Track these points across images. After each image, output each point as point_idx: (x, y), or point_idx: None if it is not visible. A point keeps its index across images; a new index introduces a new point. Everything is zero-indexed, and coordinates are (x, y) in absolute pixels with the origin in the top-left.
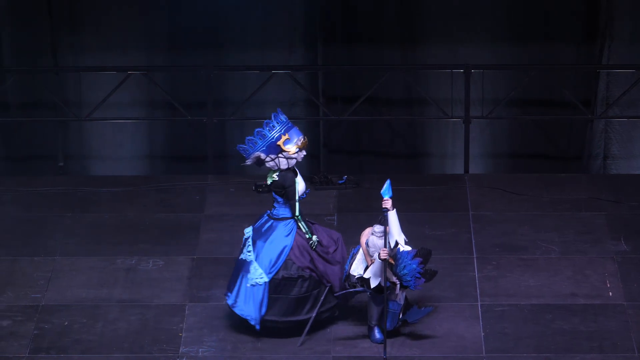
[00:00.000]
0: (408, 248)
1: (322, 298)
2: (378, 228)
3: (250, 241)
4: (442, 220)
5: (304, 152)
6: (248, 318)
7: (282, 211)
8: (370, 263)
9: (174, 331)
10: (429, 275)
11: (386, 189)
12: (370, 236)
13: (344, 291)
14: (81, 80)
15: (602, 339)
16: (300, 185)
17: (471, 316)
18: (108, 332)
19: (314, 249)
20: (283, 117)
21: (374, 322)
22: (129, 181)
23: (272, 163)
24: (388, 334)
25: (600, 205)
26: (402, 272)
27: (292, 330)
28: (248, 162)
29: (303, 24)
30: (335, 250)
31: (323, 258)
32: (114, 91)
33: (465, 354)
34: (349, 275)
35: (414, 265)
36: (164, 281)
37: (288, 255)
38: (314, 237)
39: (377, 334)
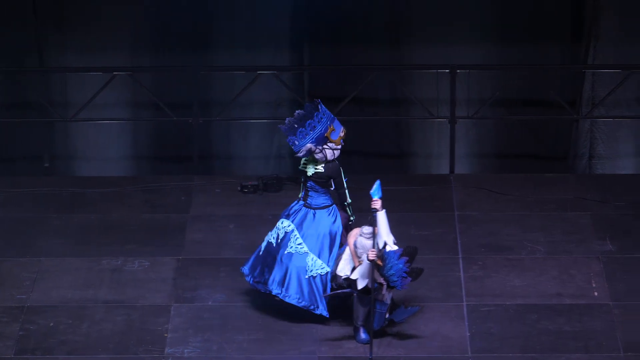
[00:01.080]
0: (395, 247)
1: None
2: (367, 229)
3: (296, 234)
4: (428, 220)
5: (342, 143)
6: (312, 308)
7: (321, 200)
8: (357, 264)
9: (160, 332)
10: (415, 274)
11: (376, 190)
12: (359, 237)
13: (331, 293)
14: (67, 80)
15: (587, 339)
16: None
17: (457, 316)
18: (94, 333)
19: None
20: (325, 109)
21: (360, 323)
22: (115, 182)
23: (320, 155)
24: (374, 334)
25: (586, 205)
26: (389, 272)
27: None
28: (300, 154)
29: (289, 25)
30: None
31: None
32: (100, 92)
33: (451, 354)
34: (335, 276)
35: (401, 265)
36: (149, 282)
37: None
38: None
39: (362, 335)
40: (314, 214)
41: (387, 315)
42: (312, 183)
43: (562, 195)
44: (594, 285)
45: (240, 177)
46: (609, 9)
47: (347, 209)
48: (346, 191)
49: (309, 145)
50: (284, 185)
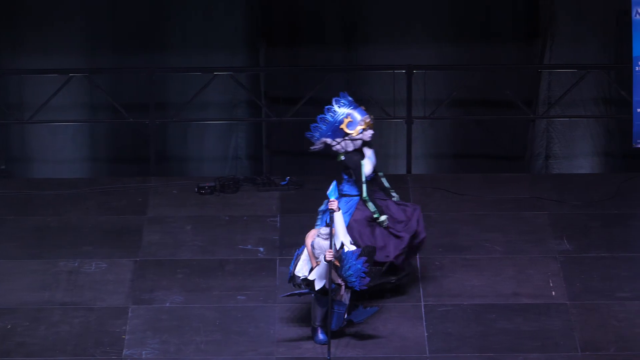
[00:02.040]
0: (353, 248)
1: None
2: (324, 230)
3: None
4: None
5: (371, 131)
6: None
7: (347, 188)
8: (315, 265)
9: (117, 334)
10: (373, 274)
11: (332, 190)
12: (316, 238)
13: (289, 293)
14: (23, 82)
15: (544, 338)
16: (366, 166)
17: (415, 316)
18: (51, 335)
19: (385, 227)
20: (345, 100)
21: (317, 323)
22: (71, 184)
23: (338, 147)
24: (332, 335)
25: (543, 204)
26: (347, 273)
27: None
28: (315, 147)
29: (245, 26)
30: (406, 224)
31: (391, 233)
32: (56, 94)
33: (409, 354)
34: (293, 276)
35: (359, 265)
36: (106, 284)
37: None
38: (382, 217)
39: (320, 335)
40: (339, 200)
41: (345, 316)
42: (342, 172)
43: (519, 195)
44: (551, 284)
45: (197, 178)
46: (564, 8)
47: (367, 204)
48: (363, 185)
49: (323, 139)
50: (241, 186)
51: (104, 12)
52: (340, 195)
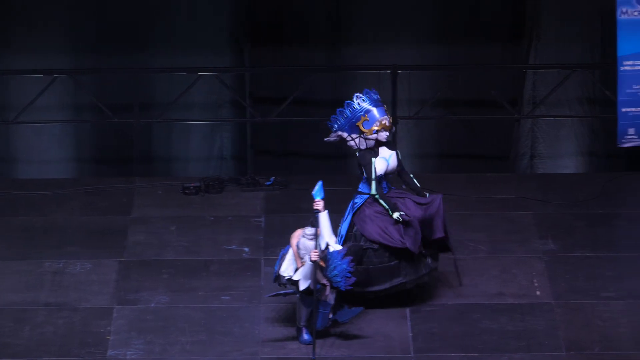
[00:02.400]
0: (338, 248)
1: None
2: (309, 230)
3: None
4: None
5: (385, 133)
6: None
7: (361, 186)
8: (300, 265)
9: (102, 334)
10: (358, 273)
11: (318, 191)
12: (301, 238)
13: (274, 293)
14: (7, 83)
15: (529, 338)
16: (379, 165)
17: (399, 316)
18: (36, 336)
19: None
20: (366, 97)
21: (302, 323)
22: (56, 184)
23: (352, 143)
24: (317, 335)
25: (528, 204)
26: (332, 273)
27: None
28: (330, 139)
29: (229, 26)
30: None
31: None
32: (41, 94)
33: (394, 354)
34: (278, 276)
35: (344, 265)
36: (91, 284)
37: (355, 228)
38: (395, 214)
39: (305, 335)
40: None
41: (330, 316)
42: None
43: (504, 195)
44: (536, 284)
45: (182, 178)
46: (549, 8)
47: (379, 201)
48: (373, 183)
49: (339, 132)
50: (225, 186)
51: (88, 12)
52: (356, 192)
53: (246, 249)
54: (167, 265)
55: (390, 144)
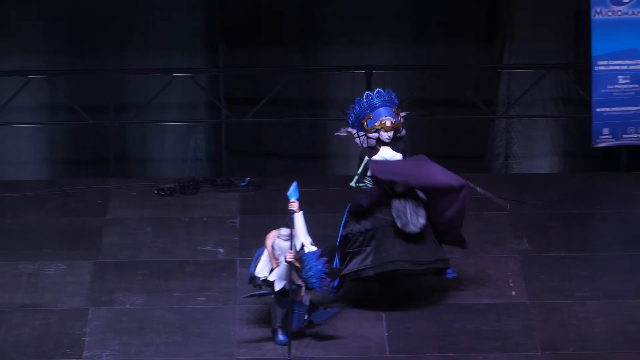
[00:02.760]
0: (314, 248)
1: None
2: (284, 231)
3: None
4: None
5: (387, 134)
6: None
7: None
8: (275, 266)
9: (77, 335)
10: (333, 274)
11: (293, 191)
12: (276, 239)
13: (249, 294)
14: None
15: (505, 338)
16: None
17: (375, 317)
18: (11, 337)
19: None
20: (375, 96)
21: (278, 324)
22: (31, 186)
23: (357, 140)
24: (293, 335)
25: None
26: (307, 274)
27: None
28: (339, 134)
29: (204, 26)
30: None
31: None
32: (15, 96)
33: (370, 354)
34: (253, 277)
35: (320, 266)
36: (66, 285)
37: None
38: (358, 184)
39: (281, 336)
40: None
41: (306, 317)
42: None
43: (479, 195)
44: (511, 284)
45: (157, 179)
46: (523, 8)
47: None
48: (356, 176)
49: (349, 128)
50: (200, 187)
51: (62, 14)
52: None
53: (221, 250)
54: (142, 266)
55: (397, 145)
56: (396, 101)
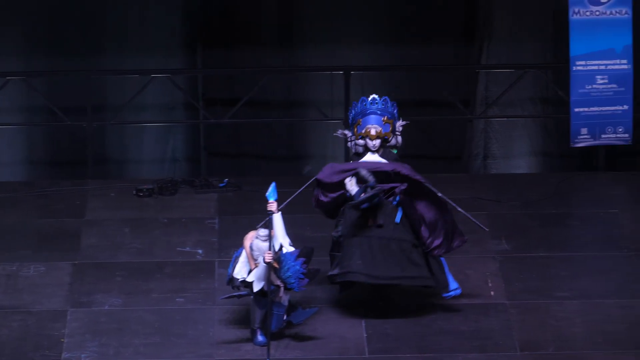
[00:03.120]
0: (292, 249)
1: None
2: (262, 231)
3: None
4: (323, 222)
5: (373, 142)
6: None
7: None
8: (254, 267)
9: (56, 337)
10: (311, 275)
11: (271, 192)
12: (255, 240)
13: (228, 295)
14: None
15: (484, 338)
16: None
17: (354, 317)
18: None
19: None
20: (369, 102)
21: (256, 325)
22: (8, 187)
23: (349, 143)
24: (272, 336)
25: (481, 204)
26: (285, 274)
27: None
28: (337, 134)
29: (182, 27)
30: None
31: None
32: None
33: (349, 354)
34: (232, 278)
35: (298, 267)
36: (45, 287)
37: None
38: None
39: (259, 337)
40: None
41: (284, 317)
42: None
43: (458, 196)
44: (490, 284)
45: (135, 180)
46: (501, 8)
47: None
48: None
49: (346, 131)
50: (179, 188)
51: (40, 15)
52: None
53: (200, 251)
54: (120, 267)
55: (389, 155)
56: (391, 110)
